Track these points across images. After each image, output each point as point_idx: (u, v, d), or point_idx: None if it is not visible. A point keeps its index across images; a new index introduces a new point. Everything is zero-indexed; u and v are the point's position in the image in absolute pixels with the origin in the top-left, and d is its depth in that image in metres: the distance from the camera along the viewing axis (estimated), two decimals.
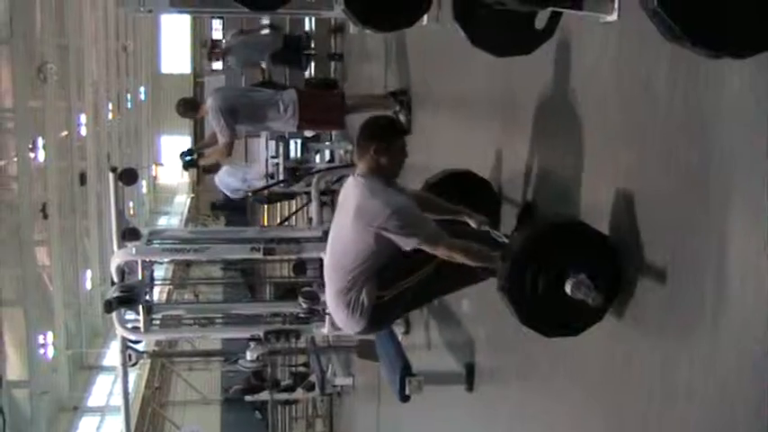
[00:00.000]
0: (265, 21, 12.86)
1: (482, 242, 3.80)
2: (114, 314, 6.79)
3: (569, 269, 3.18)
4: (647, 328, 3.09)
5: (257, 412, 18.31)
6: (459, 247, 3.69)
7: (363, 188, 3.85)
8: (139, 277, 6.79)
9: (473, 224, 4.08)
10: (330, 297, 4.09)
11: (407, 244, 3.71)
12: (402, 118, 7.39)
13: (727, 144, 2.55)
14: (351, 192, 3.93)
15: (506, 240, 3.75)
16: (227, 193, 11.05)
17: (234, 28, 12.40)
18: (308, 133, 11.92)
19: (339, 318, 4.10)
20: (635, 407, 3.13)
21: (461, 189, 4.55)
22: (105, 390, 23.08)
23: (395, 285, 3.90)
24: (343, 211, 3.98)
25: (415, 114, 7.24)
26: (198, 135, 29.68)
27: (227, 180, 10.67)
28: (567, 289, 3.16)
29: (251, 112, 7.33)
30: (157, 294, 11.88)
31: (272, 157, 10.18)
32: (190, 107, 7.88)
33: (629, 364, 3.20)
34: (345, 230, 3.93)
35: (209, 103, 7.25)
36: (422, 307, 4.56)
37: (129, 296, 6.63)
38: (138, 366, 14.59)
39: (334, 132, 11.20)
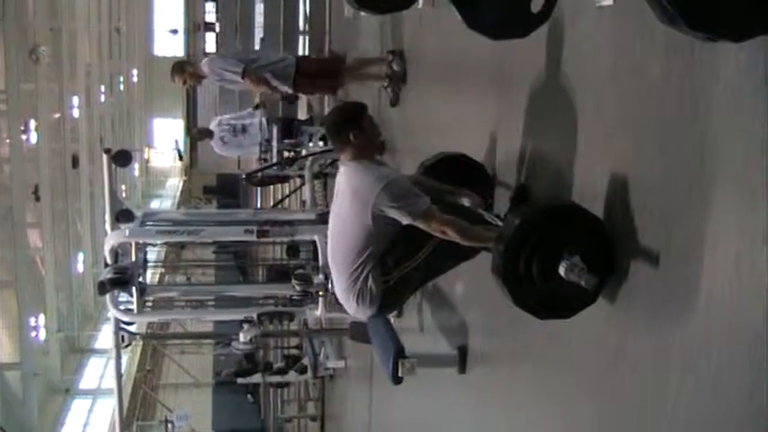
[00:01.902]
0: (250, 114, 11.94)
1: (477, 222, 3.83)
2: (108, 296, 6.82)
3: (563, 251, 3.20)
4: (640, 312, 3.10)
5: (249, 395, 18.36)
6: (453, 224, 3.71)
7: (355, 170, 3.92)
8: (133, 259, 6.81)
9: (468, 205, 4.12)
10: (338, 289, 4.16)
11: (403, 218, 3.75)
12: (391, 94, 7.45)
13: (721, 128, 2.56)
14: (344, 179, 4.00)
15: (500, 223, 3.77)
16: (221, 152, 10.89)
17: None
18: (302, 117, 11.89)
19: (350, 307, 4.15)
20: (627, 391, 3.14)
21: (456, 172, 4.56)
22: (97, 372, 23.13)
23: (398, 268, 3.94)
24: (339, 199, 4.04)
25: (409, 95, 7.24)
26: (190, 118, 29.68)
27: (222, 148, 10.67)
28: (561, 271, 3.18)
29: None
30: (150, 277, 11.90)
31: (266, 141, 10.17)
32: (185, 64, 7.89)
33: (621, 348, 3.21)
34: (344, 218, 3.98)
35: (207, 63, 7.30)
36: (429, 282, 4.60)
37: (122, 278, 6.66)
38: (129, 349, 14.59)
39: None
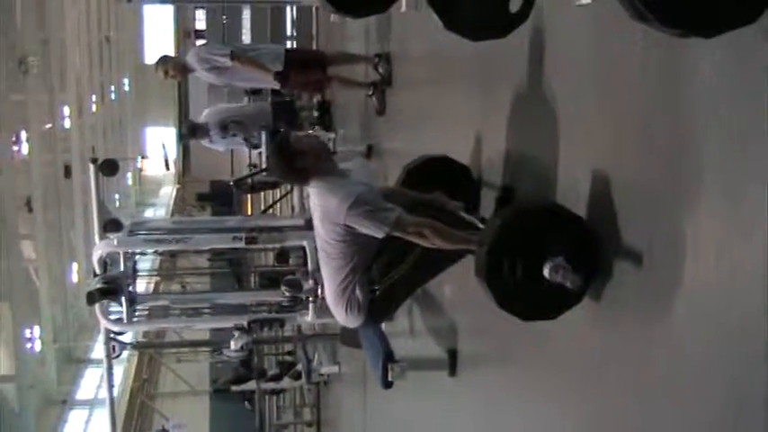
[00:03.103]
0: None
1: (459, 226, 3.81)
2: (97, 306, 6.79)
3: (547, 252, 3.18)
4: (625, 311, 3.09)
5: (247, 402, 18.30)
6: (428, 226, 3.70)
7: (321, 191, 3.93)
8: (121, 268, 6.78)
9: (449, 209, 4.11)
10: (329, 298, 4.18)
11: (377, 231, 3.73)
12: (375, 101, 7.43)
13: (700, 126, 2.54)
14: (314, 200, 4.01)
15: (482, 225, 3.75)
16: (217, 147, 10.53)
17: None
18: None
19: (340, 316, 4.17)
20: (616, 390, 3.13)
21: (440, 174, 4.55)
22: (94, 383, 23.05)
23: (385, 277, 3.94)
24: (315, 219, 4.06)
25: (395, 99, 7.23)
26: (182, 124, 29.59)
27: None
28: (545, 272, 3.16)
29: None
30: (145, 285, 11.86)
31: (254, 147, 10.10)
32: (170, 56, 7.81)
33: (609, 347, 3.20)
34: (324, 237, 3.99)
35: (193, 53, 7.20)
36: (417, 290, 4.59)
37: (110, 287, 6.63)
38: (126, 358, 14.51)
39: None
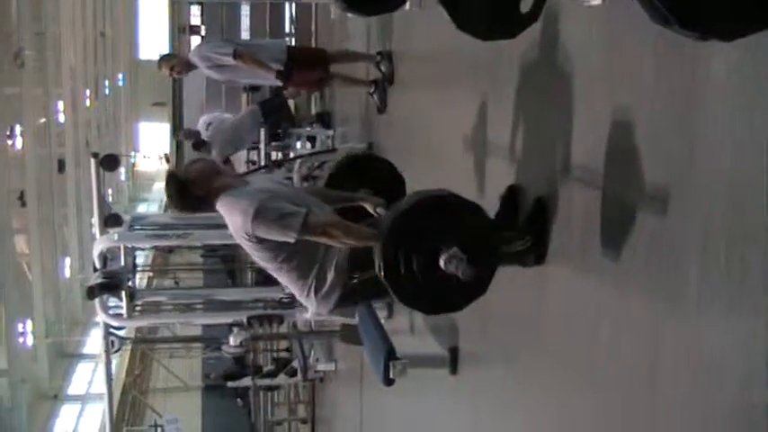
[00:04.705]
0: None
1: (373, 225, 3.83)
2: (97, 300, 6.78)
3: (442, 243, 3.21)
4: (631, 305, 3.10)
5: (239, 399, 18.31)
6: (335, 225, 3.71)
7: (224, 207, 3.88)
8: (122, 263, 6.77)
9: (369, 208, 4.14)
10: (294, 291, 4.14)
11: (286, 238, 3.72)
12: (376, 99, 7.46)
13: (710, 130, 2.56)
14: (224, 218, 3.98)
15: None
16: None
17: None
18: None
19: (309, 305, 4.13)
20: (620, 383, 3.14)
21: (367, 171, 4.62)
22: (86, 378, 23.05)
23: (369, 270, 3.93)
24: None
25: (396, 97, 7.25)
26: (177, 122, 29.54)
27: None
28: (441, 264, 3.20)
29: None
30: (137, 281, 11.82)
31: (254, 143, 10.14)
32: (173, 54, 7.88)
33: (613, 342, 3.22)
34: (247, 250, 3.97)
35: (195, 51, 7.24)
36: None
37: (111, 282, 6.62)
38: (118, 354, 14.51)
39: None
